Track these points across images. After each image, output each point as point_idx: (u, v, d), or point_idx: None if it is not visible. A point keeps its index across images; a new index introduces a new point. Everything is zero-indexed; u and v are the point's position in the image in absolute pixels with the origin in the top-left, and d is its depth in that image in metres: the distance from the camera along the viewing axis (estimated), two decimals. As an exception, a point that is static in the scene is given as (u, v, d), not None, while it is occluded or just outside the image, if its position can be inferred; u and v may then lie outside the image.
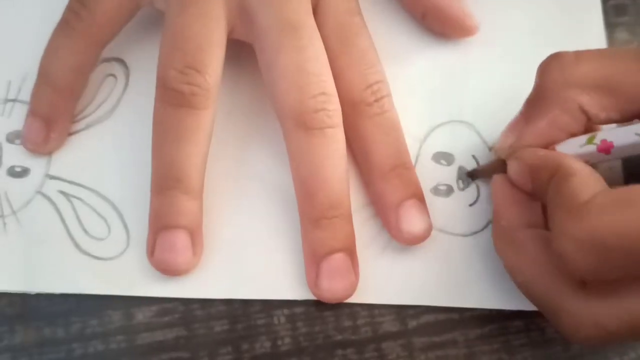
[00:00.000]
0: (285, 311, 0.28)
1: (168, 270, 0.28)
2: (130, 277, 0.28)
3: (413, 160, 0.30)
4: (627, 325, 0.22)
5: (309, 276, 0.28)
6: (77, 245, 0.29)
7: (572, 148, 0.26)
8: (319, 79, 0.27)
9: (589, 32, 0.33)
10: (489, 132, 0.31)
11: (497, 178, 0.27)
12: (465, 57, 0.32)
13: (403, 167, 0.29)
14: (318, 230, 0.27)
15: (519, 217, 0.26)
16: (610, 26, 0.33)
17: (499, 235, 0.27)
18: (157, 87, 0.27)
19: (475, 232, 0.30)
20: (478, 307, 0.29)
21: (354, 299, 0.28)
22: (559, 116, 0.25)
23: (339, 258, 0.27)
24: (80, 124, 0.31)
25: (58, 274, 0.28)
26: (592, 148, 0.25)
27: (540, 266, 0.24)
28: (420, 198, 0.28)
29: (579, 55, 0.25)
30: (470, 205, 0.30)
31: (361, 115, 0.29)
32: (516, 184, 0.26)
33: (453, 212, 0.30)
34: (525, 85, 0.31)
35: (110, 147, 0.30)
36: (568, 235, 0.21)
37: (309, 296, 0.28)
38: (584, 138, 0.26)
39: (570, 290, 0.23)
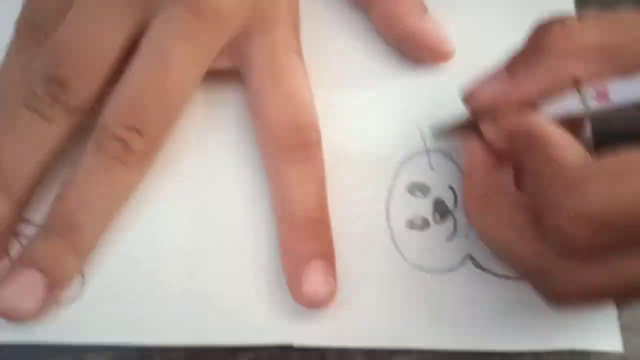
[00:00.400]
0: (251, 354, 0.27)
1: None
2: (85, 324, 0.26)
3: (387, 192, 0.29)
4: (615, 285, 0.22)
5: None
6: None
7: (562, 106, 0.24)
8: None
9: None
10: (466, 161, 0.30)
11: (472, 141, 0.26)
12: (442, 83, 0.31)
13: (319, 221, 0.27)
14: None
15: (495, 183, 0.25)
16: None
17: (473, 201, 0.25)
18: None
19: (453, 269, 0.28)
20: (454, 349, 0.27)
21: (323, 343, 0.27)
22: (549, 84, 0.24)
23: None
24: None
25: (3, 322, 0.26)
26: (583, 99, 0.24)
27: (523, 232, 0.23)
28: (329, 259, 0.27)
29: (583, 21, 0.24)
30: (447, 239, 0.29)
31: (284, 159, 0.27)
32: (493, 147, 0.25)
33: (429, 247, 0.28)
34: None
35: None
36: (564, 211, 0.21)
37: (275, 341, 0.27)
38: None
39: (555, 255, 0.22)
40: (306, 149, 0.27)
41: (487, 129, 0.25)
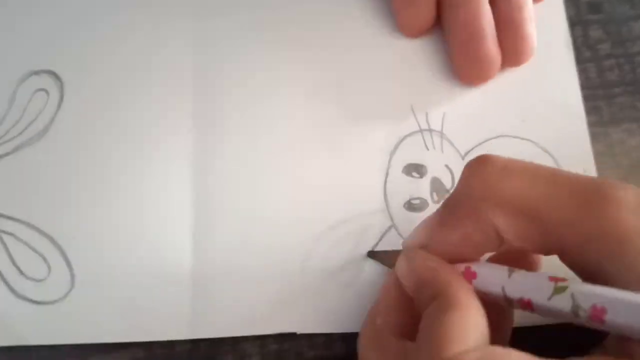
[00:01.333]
0: (256, 342, 0.26)
1: None
2: (79, 322, 0.25)
3: (383, 175, 0.29)
4: None
5: None
6: (12, 289, 0.26)
7: (520, 288, 0.21)
8: None
9: (553, 27, 0.32)
10: (461, 140, 0.29)
11: (391, 274, 0.24)
12: (431, 58, 0.30)
13: None
14: None
15: (395, 322, 0.23)
16: (583, 23, 0.32)
17: (369, 335, 0.24)
18: None
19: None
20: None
21: (329, 329, 0.26)
22: (472, 233, 0.22)
23: None
24: (7, 147, 0.27)
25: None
26: (564, 303, 0.20)
27: None
28: None
29: (507, 167, 0.22)
30: (446, 219, 0.28)
31: None
32: (402, 285, 0.23)
33: (428, 228, 0.28)
34: (492, 92, 0.30)
35: (45, 173, 0.27)
36: None
37: (279, 330, 0.26)
38: (544, 281, 0.20)
39: None
40: None
41: (398, 265, 0.24)
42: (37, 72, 0.28)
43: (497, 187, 0.21)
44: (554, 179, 0.21)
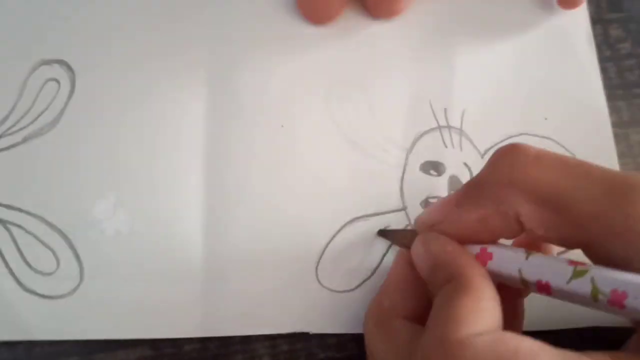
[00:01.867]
0: (265, 342, 0.26)
1: None
2: (86, 318, 0.25)
3: (400, 172, 0.28)
4: None
5: None
6: (19, 283, 0.25)
7: (541, 271, 0.21)
8: None
9: (575, 25, 0.31)
10: (480, 138, 0.29)
11: (402, 254, 0.24)
12: (450, 62, 0.30)
13: None
14: None
15: (403, 304, 0.23)
16: (604, 22, 0.31)
17: (375, 316, 0.24)
18: None
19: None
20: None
21: (341, 330, 0.26)
22: (491, 217, 0.22)
23: None
24: (16, 137, 0.26)
25: (-1, 318, 0.24)
26: (583, 287, 0.19)
27: None
28: None
29: (539, 157, 0.21)
30: (464, 218, 0.28)
31: None
32: (416, 267, 0.23)
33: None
34: (513, 89, 0.29)
35: (55, 164, 0.26)
36: None
37: (291, 329, 0.25)
38: (563, 265, 0.20)
39: None
40: None
41: (414, 247, 0.23)
42: (48, 62, 0.27)
43: (527, 174, 0.21)
44: (586, 170, 0.21)
